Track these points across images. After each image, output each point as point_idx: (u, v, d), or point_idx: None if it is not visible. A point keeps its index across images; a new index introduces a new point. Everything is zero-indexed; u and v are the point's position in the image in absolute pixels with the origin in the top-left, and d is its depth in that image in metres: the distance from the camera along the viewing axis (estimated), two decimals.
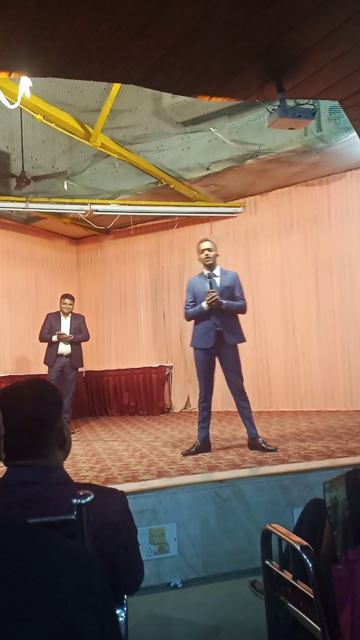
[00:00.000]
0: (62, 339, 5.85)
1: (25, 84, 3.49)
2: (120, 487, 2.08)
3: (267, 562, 1.77)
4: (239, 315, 4.20)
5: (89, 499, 1.07)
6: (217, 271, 4.18)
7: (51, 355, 5.94)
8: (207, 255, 4.13)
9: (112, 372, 8.04)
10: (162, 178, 6.31)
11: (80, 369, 6.40)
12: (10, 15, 2.35)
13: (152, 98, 5.89)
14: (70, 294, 6.25)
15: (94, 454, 4.41)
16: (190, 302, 4.16)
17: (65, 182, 6.27)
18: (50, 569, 0.54)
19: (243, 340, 4.19)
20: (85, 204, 6.44)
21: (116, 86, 4.52)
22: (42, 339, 6.04)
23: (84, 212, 6.52)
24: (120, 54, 2.86)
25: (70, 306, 6.11)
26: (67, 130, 5.09)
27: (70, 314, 6.12)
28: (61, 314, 6.10)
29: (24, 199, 6.17)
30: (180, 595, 2.68)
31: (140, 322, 8.20)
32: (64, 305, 6.07)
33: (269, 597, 1.78)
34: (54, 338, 5.89)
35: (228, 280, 4.15)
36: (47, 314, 6.15)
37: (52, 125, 4.84)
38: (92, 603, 0.54)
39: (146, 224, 7.82)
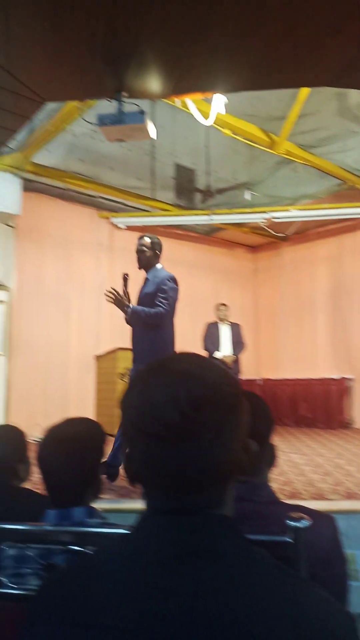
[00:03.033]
0: (226, 359, 5.95)
1: (219, 101, 3.64)
2: (306, 504, 1.99)
3: None
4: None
5: (307, 523, 1.03)
6: (150, 274, 3.42)
7: None
8: (137, 256, 3.41)
9: (289, 382, 7.87)
10: (347, 179, 5.99)
11: (258, 377, 6.42)
12: (209, 36, 2.46)
13: (336, 98, 5.64)
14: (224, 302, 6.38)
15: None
16: None
17: (247, 192, 6.37)
18: (298, 610, 0.52)
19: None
20: (266, 212, 6.46)
21: (304, 91, 4.42)
22: (205, 349, 6.23)
23: (264, 220, 6.54)
24: (313, 56, 2.78)
25: (227, 312, 6.22)
26: (251, 141, 5.17)
27: (228, 323, 6.22)
28: (219, 322, 6.23)
29: (207, 211, 6.45)
30: None
31: (317, 330, 7.89)
32: (220, 312, 6.19)
33: None
34: (218, 355, 6.01)
35: (152, 286, 3.33)
36: (207, 324, 6.30)
37: (239, 137, 4.95)
38: None
39: (327, 227, 7.50)
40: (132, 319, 3.26)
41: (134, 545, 0.56)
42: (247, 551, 0.59)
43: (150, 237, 3.44)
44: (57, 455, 1.18)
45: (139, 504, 2.26)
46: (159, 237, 3.50)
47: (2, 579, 1.08)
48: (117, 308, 3.30)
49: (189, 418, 0.55)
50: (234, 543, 0.59)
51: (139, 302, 3.33)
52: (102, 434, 1.29)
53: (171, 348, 3.31)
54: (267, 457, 1.21)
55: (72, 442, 1.20)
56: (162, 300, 3.23)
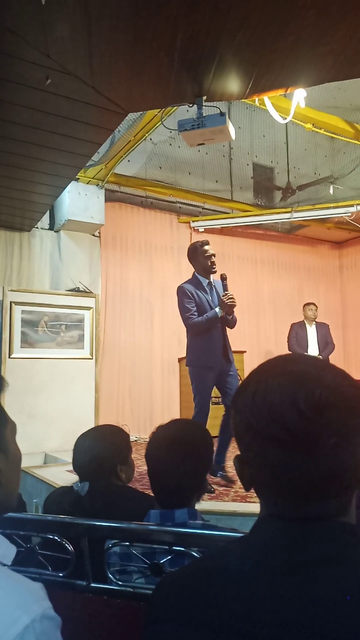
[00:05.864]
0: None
1: (299, 95, 3.54)
2: None
3: None
4: None
5: None
6: (212, 280, 3.53)
7: None
8: (213, 261, 3.44)
9: None
10: None
11: None
12: (291, 31, 2.40)
13: None
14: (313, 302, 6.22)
15: None
16: (195, 311, 3.40)
17: (331, 187, 6.15)
18: None
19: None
20: (351, 205, 6.19)
21: None
22: (291, 350, 6.09)
23: (349, 214, 6.27)
24: None
25: (316, 312, 6.09)
26: (334, 133, 4.98)
27: (314, 323, 6.04)
28: (306, 322, 6.07)
29: (288, 209, 6.31)
30: None
31: None
32: (310, 312, 6.04)
33: None
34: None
35: (221, 289, 3.45)
36: (292, 324, 6.23)
37: (321, 131, 4.80)
38: None
39: None
40: (232, 322, 3.43)
41: (256, 550, 0.55)
42: None
43: None
44: (167, 457, 1.18)
45: (232, 507, 2.22)
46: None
47: (109, 575, 1.11)
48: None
49: (309, 420, 0.53)
50: None
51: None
52: (209, 438, 1.28)
53: None
54: None
55: (182, 444, 1.20)
56: None
